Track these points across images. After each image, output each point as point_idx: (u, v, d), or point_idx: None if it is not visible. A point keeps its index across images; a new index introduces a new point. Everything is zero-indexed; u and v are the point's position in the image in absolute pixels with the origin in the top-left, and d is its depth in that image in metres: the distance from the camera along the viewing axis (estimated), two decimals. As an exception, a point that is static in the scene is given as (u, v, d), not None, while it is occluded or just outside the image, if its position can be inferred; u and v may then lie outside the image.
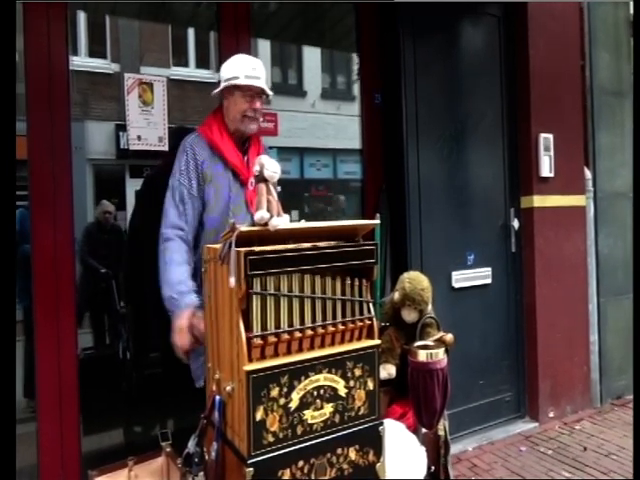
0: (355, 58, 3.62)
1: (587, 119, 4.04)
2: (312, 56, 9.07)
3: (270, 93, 2.16)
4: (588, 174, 3.99)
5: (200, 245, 2.02)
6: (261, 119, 2.24)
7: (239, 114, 2.10)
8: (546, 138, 3.70)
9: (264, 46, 6.76)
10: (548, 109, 3.74)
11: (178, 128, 3.54)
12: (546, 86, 3.73)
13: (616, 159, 4.13)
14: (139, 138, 2.84)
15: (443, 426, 2.22)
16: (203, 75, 8.74)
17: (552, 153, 3.73)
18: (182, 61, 9.00)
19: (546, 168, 3.71)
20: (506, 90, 3.72)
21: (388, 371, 2.21)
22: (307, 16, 3.91)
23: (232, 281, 1.46)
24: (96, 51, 8.30)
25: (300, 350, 1.58)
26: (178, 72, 8.54)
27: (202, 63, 9.01)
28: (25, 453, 2.60)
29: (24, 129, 2.44)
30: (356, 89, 3.73)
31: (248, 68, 2.09)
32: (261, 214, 1.56)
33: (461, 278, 3.46)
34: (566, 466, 3.08)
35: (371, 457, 1.67)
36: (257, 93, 2.10)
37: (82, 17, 7.36)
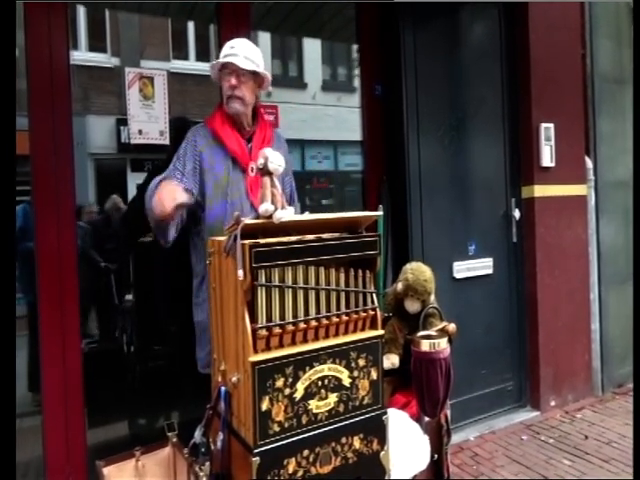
0: (355, 49, 3.61)
1: (588, 107, 4.02)
2: (312, 48, 9.03)
3: (246, 67, 2.03)
4: (589, 163, 3.99)
5: (202, 241, 2.02)
6: (247, 100, 2.08)
7: (225, 96, 2.09)
8: (547, 128, 3.70)
9: (264, 38, 6.73)
10: (549, 97, 3.73)
11: (176, 119, 3.50)
12: (547, 74, 3.72)
13: (617, 147, 4.12)
14: (140, 132, 2.84)
15: (445, 415, 2.24)
16: (203, 68, 8.69)
17: (553, 143, 3.72)
18: (182, 54, 8.97)
19: (547, 158, 3.70)
20: (507, 79, 3.71)
21: (391, 361, 2.23)
22: (306, 8, 3.89)
23: (240, 273, 1.47)
24: (96, 45, 8.28)
25: (305, 341, 1.60)
26: (178, 65, 8.51)
27: (202, 56, 8.97)
28: (31, 446, 2.63)
29: (26, 125, 2.45)
30: (356, 80, 3.72)
31: (227, 47, 2.09)
32: (266, 207, 1.57)
33: (462, 268, 3.47)
34: (567, 454, 3.10)
35: (375, 446, 1.70)
36: (234, 70, 2.05)
37: (82, 11, 7.34)
